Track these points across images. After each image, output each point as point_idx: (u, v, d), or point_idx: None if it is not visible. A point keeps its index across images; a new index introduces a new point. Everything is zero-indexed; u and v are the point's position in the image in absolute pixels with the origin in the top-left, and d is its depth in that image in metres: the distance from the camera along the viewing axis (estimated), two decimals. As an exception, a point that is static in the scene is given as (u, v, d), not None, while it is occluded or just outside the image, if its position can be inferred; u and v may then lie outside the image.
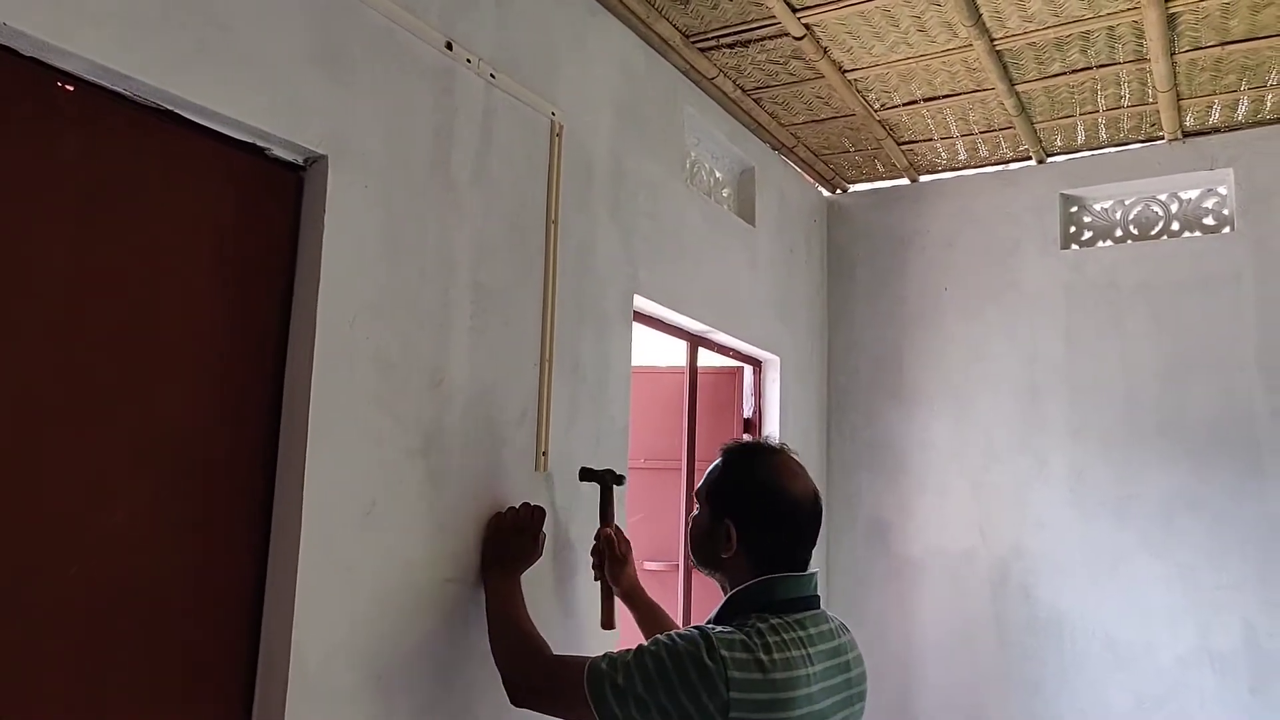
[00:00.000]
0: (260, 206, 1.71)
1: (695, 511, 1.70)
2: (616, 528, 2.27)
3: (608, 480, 2.30)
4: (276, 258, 1.74)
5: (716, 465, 1.69)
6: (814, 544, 1.62)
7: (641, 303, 2.85)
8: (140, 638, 1.49)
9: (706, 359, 3.53)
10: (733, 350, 3.60)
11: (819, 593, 1.62)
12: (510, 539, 2.06)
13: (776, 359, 3.77)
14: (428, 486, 1.96)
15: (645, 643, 1.52)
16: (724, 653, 1.41)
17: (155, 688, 1.51)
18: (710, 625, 1.53)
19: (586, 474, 2.33)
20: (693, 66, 3.10)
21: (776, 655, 1.44)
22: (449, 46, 2.07)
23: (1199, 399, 3.46)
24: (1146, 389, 3.55)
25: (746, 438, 1.78)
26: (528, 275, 2.30)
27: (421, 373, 1.95)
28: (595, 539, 2.25)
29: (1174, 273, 3.57)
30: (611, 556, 2.20)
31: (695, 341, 3.36)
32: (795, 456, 1.69)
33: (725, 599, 1.59)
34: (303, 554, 1.66)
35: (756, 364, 3.79)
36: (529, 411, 2.26)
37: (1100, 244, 3.80)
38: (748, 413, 3.77)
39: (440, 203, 2.04)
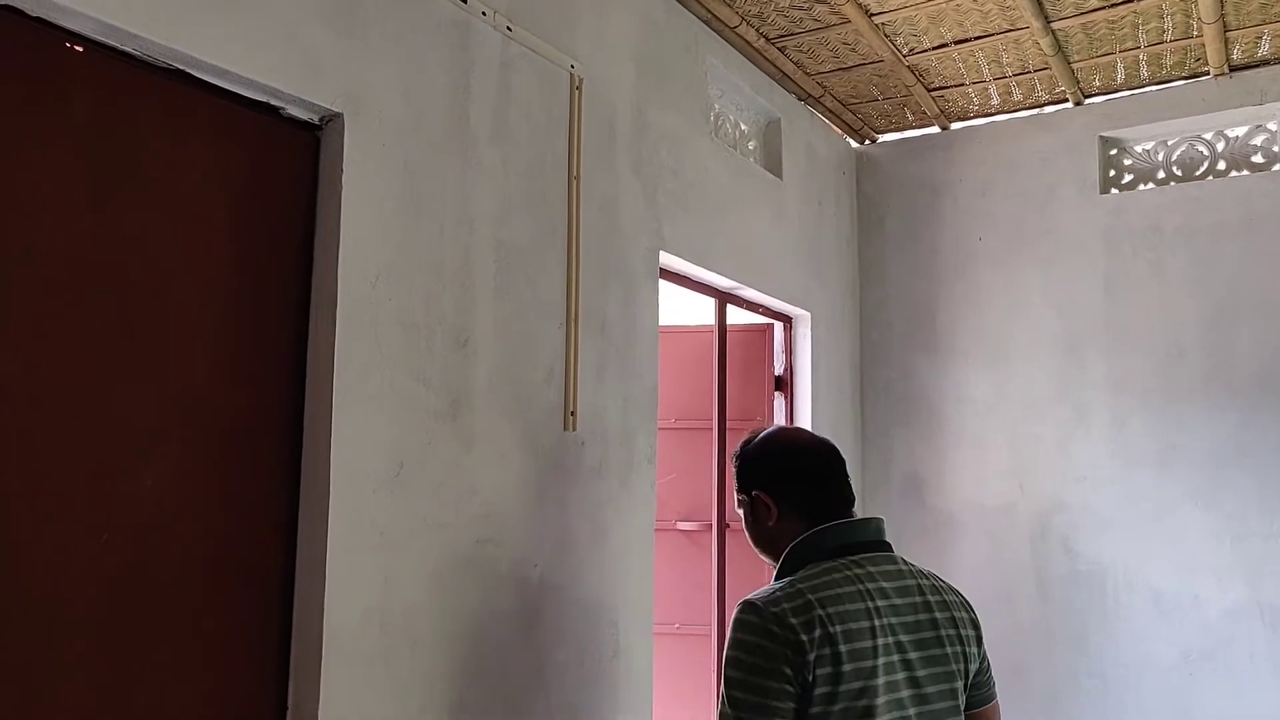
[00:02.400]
0: (277, 167, 1.68)
1: (741, 512, 1.70)
2: None
3: None
4: (295, 219, 1.72)
5: (733, 465, 1.72)
6: (846, 488, 1.61)
7: (667, 259, 2.80)
8: (173, 603, 1.49)
9: (736, 316, 3.47)
10: (762, 307, 3.54)
11: (883, 538, 1.57)
12: None
13: (807, 314, 3.71)
14: (457, 448, 1.94)
15: (725, 664, 1.43)
16: (773, 610, 1.38)
17: (189, 652, 1.51)
18: (751, 595, 1.47)
19: None
20: (714, 15, 3.02)
21: (821, 579, 1.42)
22: (464, -1, 2.02)
23: (1246, 345, 3.36)
24: (1190, 336, 3.45)
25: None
26: (551, 233, 2.26)
27: (446, 333, 1.93)
28: None
29: (1219, 214, 3.45)
30: None
31: (724, 298, 3.31)
32: (800, 428, 1.73)
33: (782, 558, 1.56)
34: (332, 518, 1.65)
35: (787, 320, 3.73)
36: (556, 371, 2.23)
37: (1141, 187, 3.68)
38: (779, 370, 3.72)
39: (460, 160, 2.00)
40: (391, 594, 1.76)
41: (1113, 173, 3.75)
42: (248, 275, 1.63)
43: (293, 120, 1.71)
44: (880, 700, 1.36)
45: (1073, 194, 3.73)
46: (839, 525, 1.55)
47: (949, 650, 1.47)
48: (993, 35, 3.21)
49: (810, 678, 1.34)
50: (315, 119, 1.74)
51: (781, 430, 1.72)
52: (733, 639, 1.42)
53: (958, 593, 1.58)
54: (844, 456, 1.66)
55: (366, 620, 1.70)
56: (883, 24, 3.13)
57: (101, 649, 1.40)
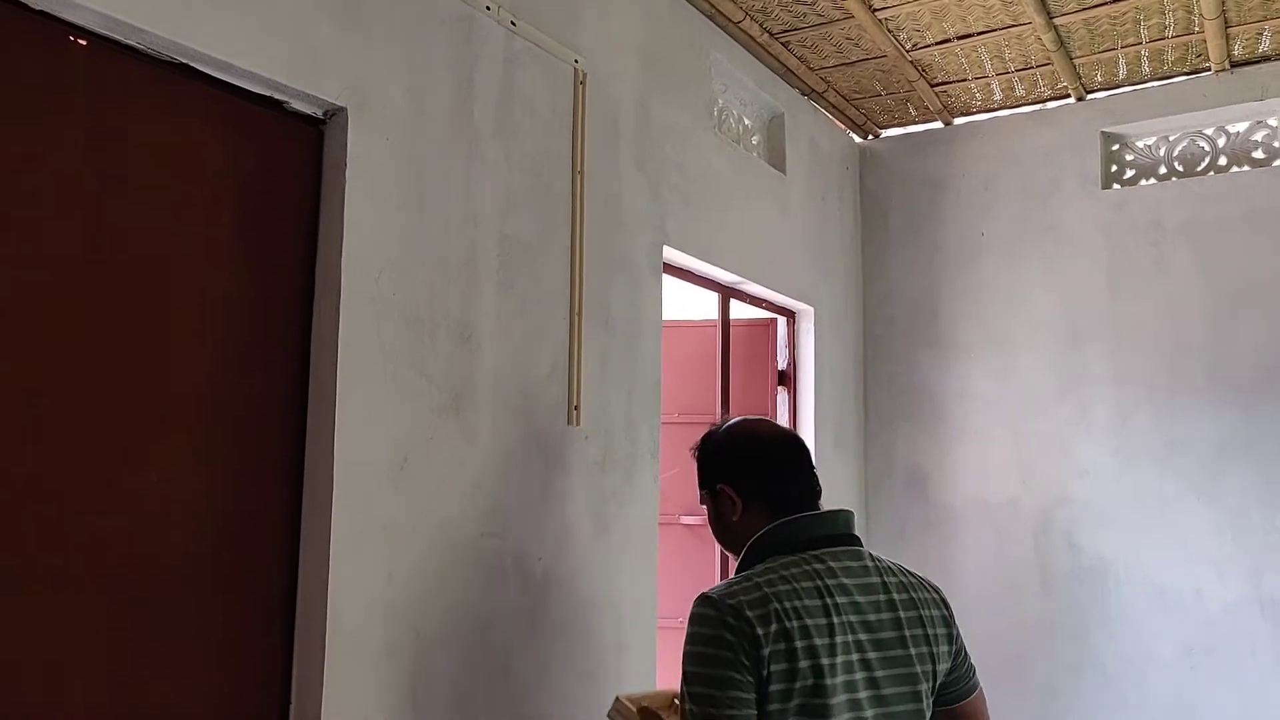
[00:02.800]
0: (281, 161, 1.69)
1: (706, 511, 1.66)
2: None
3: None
4: (299, 213, 1.72)
5: (697, 462, 1.68)
6: (812, 479, 1.57)
7: (671, 254, 2.80)
8: (177, 597, 1.49)
9: (739, 311, 3.48)
10: (765, 301, 3.55)
11: (851, 531, 1.54)
12: None
13: (810, 309, 3.71)
14: (460, 442, 1.94)
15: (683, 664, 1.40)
16: (729, 602, 1.36)
17: (193, 646, 1.52)
18: (709, 590, 1.45)
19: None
20: (718, 10, 3.02)
21: (781, 572, 1.39)
22: (467, -7, 2.02)
23: (1248, 340, 3.36)
24: (1193, 331, 3.45)
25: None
26: (555, 227, 2.26)
27: (450, 327, 1.93)
28: None
29: (1221, 210, 3.45)
30: None
31: (727, 293, 3.31)
32: (761, 419, 1.71)
33: (744, 551, 1.53)
34: (335, 511, 1.65)
35: (790, 315, 3.73)
36: (559, 365, 2.24)
37: (1143, 182, 3.68)
38: (782, 364, 3.72)
39: (463, 154, 2.00)
40: (395, 587, 1.76)
41: (1115, 168, 3.75)
42: (252, 269, 1.63)
43: (297, 114, 1.71)
44: (836, 700, 1.33)
45: (1075, 189, 3.73)
46: (804, 518, 1.51)
47: (913, 651, 1.44)
48: (995, 30, 3.21)
49: (765, 672, 1.32)
50: (319, 113, 1.74)
51: (744, 422, 1.67)
52: (690, 633, 1.39)
53: (930, 588, 1.54)
54: (809, 448, 1.63)
55: (370, 613, 1.71)
56: (886, 19, 3.13)
57: (106, 643, 1.40)
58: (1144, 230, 3.58)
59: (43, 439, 1.34)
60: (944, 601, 1.55)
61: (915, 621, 1.46)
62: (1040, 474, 3.70)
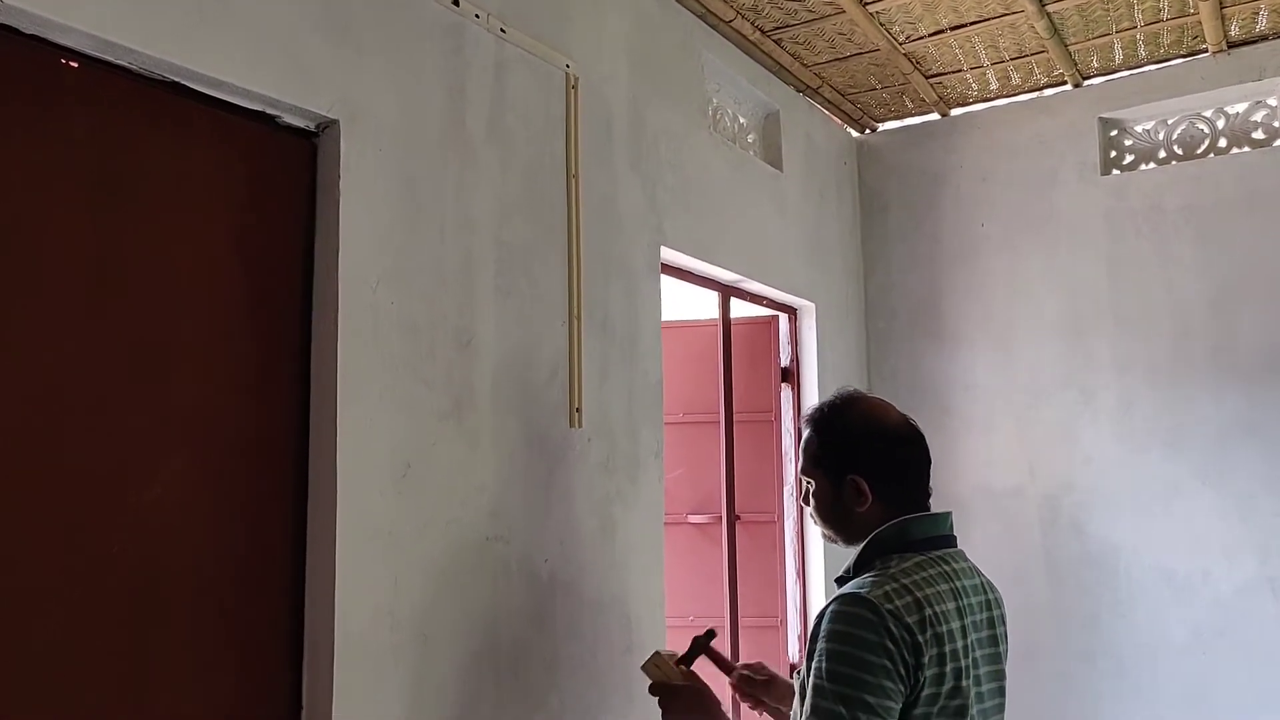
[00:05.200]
0: (275, 175, 1.70)
1: (809, 486, 1.62)
2: (738, 668, 1.88)
3: (703, 644, 1.90)
4: (294, 226, 1.73)
5: (810, 436, 1.61)
6: (929, 477, 1.57)
7: (669, 254, 2.81)
8: (186, 608, 1.51)
9: (740, 309, 3.49)
10: (766, 299, 3.55)
11: (952, 532, 1.56)
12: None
13: (812, 305, 3.71)
14: (463, 447, 1.96)
15: (820, 656, 1.36)
16: (888, 607, 1.33)
17: (203, 656, 1.53)
18: (854, 587, 1.41)
19: (689, 658, 1.84)
20: (709, 10, 3.03)
21: (918, 575, 1.41)
22: (456, 2, 2.04)
23: (1251, 323, 3.35)
24: (1195, 316, 3.45)
25: (822, 400, 1.68)
26: (551, 232, 2.27)
27: (448, 334, 1.95)
28: (735, 689, 1.87)
29: (1222, 192, 3.44)
30: (757, 686, 1.84)
31: (727, 291, 3.32)
32: (876, 396, 1.66)
33: (864, 543, 1.51)
34: (340, 519, 1.67)
35: (791, 311, 3.73)
36: (559, 369, 2.25)
37: (1143, 167, 3.67)
38: (785, 361, 3.73)
39: (457, 162, 2.01)
40: (402, 593, 1.78)
41: (1113, 154, 3.74)
42: (249, 283, 1.65)
43: (289, 128, 1.73)
44: (969, 701, 1.36)
45: (1074, 176, 3.73)
46: (925, 518, 1.52)
47: (1000, 649, 1.50)
48: (988, 20, 3.21)
49: (921, 678, 1.32)
50: (312, 126, 1.76)
51: (876, 410, 1.59)
52: (840, 631, 1.34)
53: (997, 590, 1.59)
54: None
55: (377, 619, 1.73)
56: (877, 13, 3.13)
57: (117, 656, 1.42)
58: (1144, 215, 3.57)
59: (49, 455, 1.36)
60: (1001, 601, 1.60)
61: (1000, 620, 1.53)
62: (1046, 462, 3.70)
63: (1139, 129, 3.71)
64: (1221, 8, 3.14)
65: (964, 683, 1.36)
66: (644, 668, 1.76)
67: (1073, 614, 3.59)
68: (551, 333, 2.24)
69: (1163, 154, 3.65)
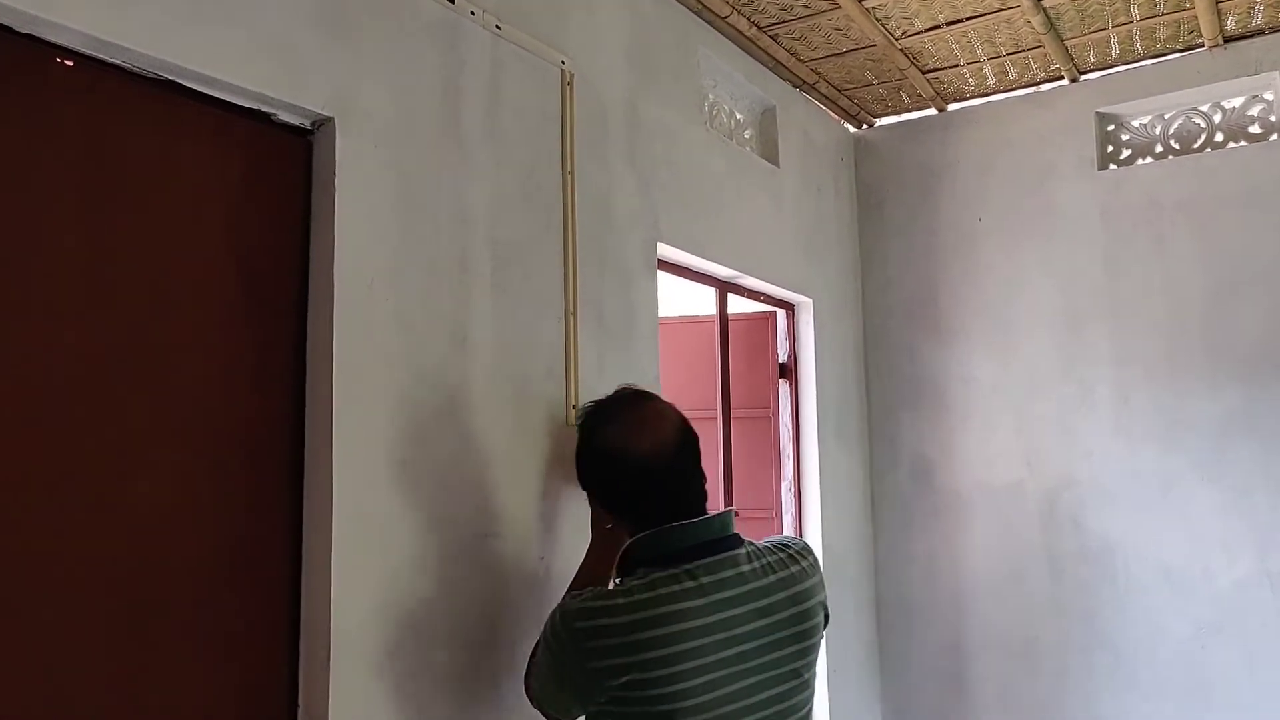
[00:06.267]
0: (269, 173, 1.70)
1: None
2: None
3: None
4: (289, 223, 1.74)
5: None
6: (690, 488, 1.57)
7: (666, 250, 2.81)
8: (181, 606, 1.51)
9: (738, 305, 3.49)
10: (763, 295, 3.55)
11: (727, 534, 1.55)
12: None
13: (809, 301, 3.72)
14: (459, 445, 1.96)
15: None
16: (577, 624, 1.45)
17: (199, 654, 1.54)
18: (574, 596, 1.55)
19: None
20: (705, 6, 3.03)
21: (639, 596, 1.43)
22: (451, -1, 2.04)
23: (1248, 318, 3.35)
24: (1192, 310, 3.45)
25: (592, 404, 1.74)
26: (546, 228, 2.27)
27: (444, 331, 1.95)
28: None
29: (1218, 187, 3.44)
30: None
31: (724, 287, 3.32)
32: (646, 404, 1.67)
33: (619, 554, 1.58)
34: (336, 516, 1.67)
35: (789, 307, 3.74)
36: (555, 365, 2.25)
37: (1139, 162, 3.68)
38: (783, 357, 3.73)
39: (452, 159, 2.02)
40: (398, 590, 1.78)
41: (1110, 148, 3.74)
42: (244, 280, 1.65)
43: (284, 126, 1.73)
44: (682, 706, 1.38)
45: (1071, 171, 3.73)
46: (674, 529, 1.52)
47: (793, 649, 1.49)
48: (984, 15, 3.21)
49: (605, 699, 1.43)
50: (306, 124, 1.76)
51: (624, 423, 1.61)
52: (543, 638, 1.55)
53: (802, 556, 1.57)
54: (695, 439, 1.61)
55: (374, 616, 1.73)
56: (873, 8, 3.13)
57: (112, 652, 1.42)
58: (1141, 210, 3.58)
59: (43, 450, 1.36)
60: (816, 566, 1.59)
61: (797, 618, 1.51)
62: (1044, 457, 3.70)
63: (1136, 124, 3.72)
64: (1217, 2, 3.14)
65: (692, 701, 1.38)
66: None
67: (1071, 609, 3.60)
68: (547, 329, 2.24)
69: (1159, 149, 3.65)
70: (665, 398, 2.71)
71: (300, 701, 1.67)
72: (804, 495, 3.67)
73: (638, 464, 1.56)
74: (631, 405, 1.66)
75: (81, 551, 1.39)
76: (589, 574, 1.86)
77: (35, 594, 1.34)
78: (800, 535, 3.63)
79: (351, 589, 1.69)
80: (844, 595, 3.76)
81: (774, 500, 3.66)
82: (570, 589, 1.85)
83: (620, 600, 1.44)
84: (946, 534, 3.89)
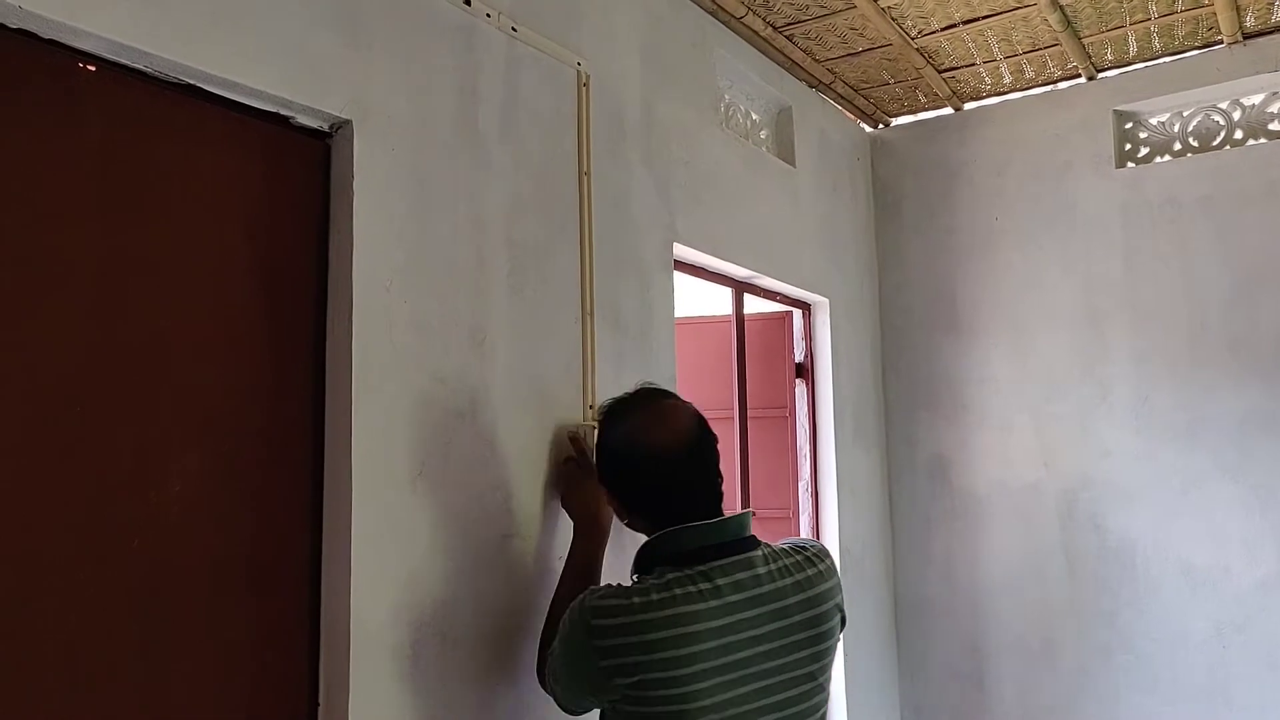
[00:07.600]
0: (288, 176, 1.72)
1: None
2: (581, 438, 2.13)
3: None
4: (308, 226, 1.75)
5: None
6: (706, 487, 1.58)
7: (682, 251, 2.81)
8: (203, 606, 1.53)
9: (754, 305, 3.49)
10: (780, 295, 3.55)
11: (743, 536, 1.56)
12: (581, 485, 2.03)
13: (826, 301, 3.71)
14: (478, 445, 1.97)
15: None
16: (593, 622, 1.47)
17: (220, 654, 1.55)
18: (593, 593, 1.55)
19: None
20: (720, 6, 3.03)
21: (655, 596, 1.44)
22: (467, 2, 2.05)
23: (1269, 314, 3.32)
24: (1213, 308, 3.42)
25: (619, 395, 1.76)
26: (563, 229, 2.28)
27: (462, 333, 1.96)
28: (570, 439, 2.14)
29: (1238, 184, 3.41)
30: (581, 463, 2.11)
31: (740, 288, 3.32)
32: (665, 401, 1.68)
33: (637, 553, 1.60)
34: (355, 518, 1.68)
35: (805, 307, 3.73)
36: (573, 365, 2.26)
37: (1158, 160, 3.65)
38: (799, 357, 3.73)
39: (469, 161, 2.02)
40: (418, 591, 1.79)
41: (1128, 146, 3.72)
42: (264, 283, 1.66)
43: (303, 129, 1.74)
44: (692, 707, 1.39)
45: (1089, 169, 3.71)
46: (690, 529, 1.53)
47: (808, 652, 1.49)
48: (1001, 14, 3.20)
49: (618, 696, 1.45)
50: (325, 127, 1.77)
51: (639, 419, 1.63)
52: (561, 631, 1.56)
53: (819, 559, 1.57)
54: (712, 439, 1.62)
55: (394, 618, 1.74)
56: (889, 8, 3.12)
57: (134, 653, 1.44)
58: (1160, 208, 3.55)
59: (64, 453, 1.38)
60: (833, 569, 1.59)
61: (811, 622, 1.50)
62: (1063, 456, 3.68)
63: (1154, 121, 3.69)
64: (1237, -2, 3.11)
65: (698, 704, 1.39)
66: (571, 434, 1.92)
67: (1091, 609, 3.57)
68: (564, 330, 2.25)
69: (1178, 146, 3.63)
70: (683, 398, 2.73)
71: (320, 701, 1.68)
72: (821, 495, 3.66)
73: (652, 458, 1.58)
74: (649, 401, 1.68)
75: (104, 553, 1.41)
76: (574, 570, 1.95)
77: (58, 595, 1.35)
78: (817, 536, 3.62)
79: (371, 589, 1.70)
80: (862, 595, 3.76)
81: (791, 500, 3.65)
82: (560, 585, 1.93)
83: (636, 600, 1.45)
84: (964, 534, 3.88)
